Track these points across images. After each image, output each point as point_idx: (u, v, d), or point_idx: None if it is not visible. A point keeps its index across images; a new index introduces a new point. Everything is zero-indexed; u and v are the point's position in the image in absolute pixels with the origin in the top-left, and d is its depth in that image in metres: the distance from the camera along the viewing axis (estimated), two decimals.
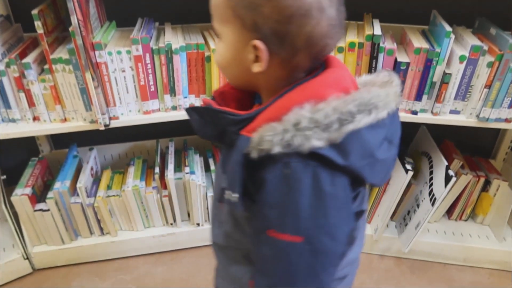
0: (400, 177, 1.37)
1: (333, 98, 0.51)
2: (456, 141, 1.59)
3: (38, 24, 1.09)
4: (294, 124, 0.49)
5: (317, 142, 0.49)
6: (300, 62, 0.53)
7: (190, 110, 0.59)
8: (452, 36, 1.15)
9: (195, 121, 0.59)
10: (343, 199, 0.52)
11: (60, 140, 1.65)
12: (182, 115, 1.30)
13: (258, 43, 0.51)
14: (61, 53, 1.16)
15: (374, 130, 0.52)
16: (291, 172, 0.49)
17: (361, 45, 1.19)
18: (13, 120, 1.24)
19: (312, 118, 0.49)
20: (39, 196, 1.41)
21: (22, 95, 1.19)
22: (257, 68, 0.53)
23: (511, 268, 1.51)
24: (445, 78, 1.19)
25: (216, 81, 1.27)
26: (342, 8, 0.53)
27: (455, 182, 1.32)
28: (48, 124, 1.25)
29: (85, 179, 1.40)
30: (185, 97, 1.29)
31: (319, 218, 0.50)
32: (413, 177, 1.38)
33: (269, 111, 0.52)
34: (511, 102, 1.20)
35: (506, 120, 1.24)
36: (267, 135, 0.50)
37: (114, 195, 1.42)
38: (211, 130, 0.58)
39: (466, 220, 1.61)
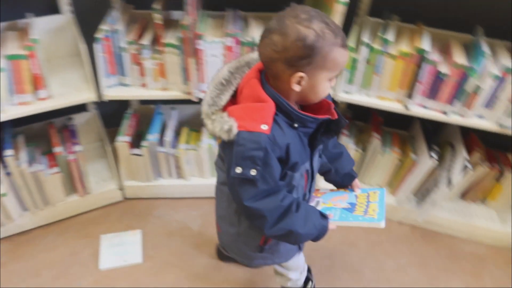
0: (425, 162, 1.67)
1: None
2: (481, 135, 1.85)
3: (157, 16, 1.39)
4: None
5: None
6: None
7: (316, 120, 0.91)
8: (489, 56, 1.39)
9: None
10: None
11: None
12: None
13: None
14: (172, 39, 1.47)
15: None
16: None
17: (411, 55, 1.44)
18: (125, 85, 1.59)
19: None
20: (133, 143, 1.79)
21: (136, 67, 1.53)
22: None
23: (510, 245, 1.82)
24: (477, 90, 1.44)
25: None
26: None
27: (471, 171, 1.60)
28: (153, 91, 1.59)
29: (169, 134, 1.76)
30: None
31: None
32: (438, 161, 1.67)
33: None
34: None
35: None
36: None
37: (192, 149, 1.78)
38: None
39: (476, 203, 1.91)
